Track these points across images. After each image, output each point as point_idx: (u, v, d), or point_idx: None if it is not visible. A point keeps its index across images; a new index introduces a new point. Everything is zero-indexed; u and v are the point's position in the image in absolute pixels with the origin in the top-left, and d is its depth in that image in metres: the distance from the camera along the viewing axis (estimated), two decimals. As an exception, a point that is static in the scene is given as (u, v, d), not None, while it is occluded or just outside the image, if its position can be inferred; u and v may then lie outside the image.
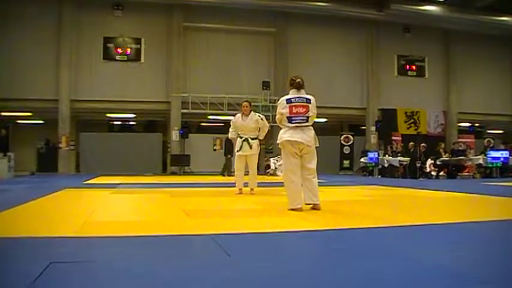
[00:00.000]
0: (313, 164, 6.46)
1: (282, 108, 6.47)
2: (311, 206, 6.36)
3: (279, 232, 4.61)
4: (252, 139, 9.54)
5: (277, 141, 6.54)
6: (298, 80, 6.51)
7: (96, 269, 3.05)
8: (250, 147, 9.52)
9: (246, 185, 9.71)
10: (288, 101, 6.45)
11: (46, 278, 2.71)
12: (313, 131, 6.47)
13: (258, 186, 9.86)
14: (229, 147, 18.68)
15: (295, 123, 6.36)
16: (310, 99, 6.48)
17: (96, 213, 6.20)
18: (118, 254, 3.55)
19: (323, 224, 5.16)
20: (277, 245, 4.06)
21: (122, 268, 3.04)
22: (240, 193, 9.46)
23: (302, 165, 6.41)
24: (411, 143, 19.17)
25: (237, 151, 9.63)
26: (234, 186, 9.73)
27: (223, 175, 19.32)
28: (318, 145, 6.51)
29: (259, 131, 9.68)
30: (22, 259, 3.27)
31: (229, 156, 19.04)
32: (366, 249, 3.82)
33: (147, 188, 11.73)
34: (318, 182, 6.57)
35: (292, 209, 6.21)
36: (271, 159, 21.27)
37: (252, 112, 9.68)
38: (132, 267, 3.04)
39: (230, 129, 9.92)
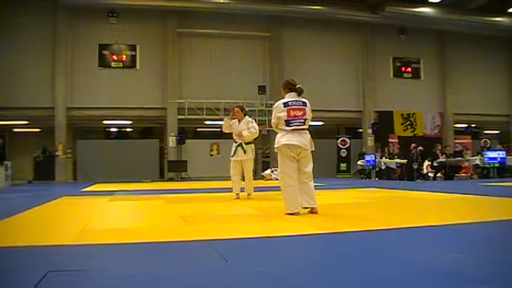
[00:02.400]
0: (309, 168, 6.46)
1: (279, 112, 6.44)
2: (308, 209, 6.36)
3: (276, 237, 4.61)
4: (246, 144, 9.57)
5: (275, 146, 6.53)
6: (299, 86, 6.53)
7: (94, 277, 3.04)
8: (245, 152, 9.56)
9: (242, 190, 9.73)
10: (285, 104, 6.44)
11: (44, 286, 2.70)
12: (309, 135, 6.47)
13: (254, 191, 9.88)
14: None
15: (294, 126, 6.36)
16: (306, 103, 6.50)
17: (94, 220, 6.19)
18: (116, 262, 3.54)
19: (320, 228, 5.16)
20: (275, 250, 4.06)
21: (121, 276, 3.03)
22: (237, 198, 9.48)
23: (299, 169, 6.41)
24: (413, 145, 19.18)
25: (231, 156, 9.66)
26: (231, 192, 9.76)
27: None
28: (313, 149, 6.51)
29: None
30: (19, 268, 3.26)
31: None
32: (365, 252, 3.83)
33: (144, 195, 11.71)
34: (315, 186, 6.57)
35: (290, 213, 6.21)
36: (268, 170, 21.24)
37: (246, 116, 9.78)
38: (130, 274, 3.03)
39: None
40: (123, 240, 4.42)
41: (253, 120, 9.83)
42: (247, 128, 9.56)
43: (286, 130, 6.40)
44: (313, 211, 6.35)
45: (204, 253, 3.82)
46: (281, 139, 6.43)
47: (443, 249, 3.86)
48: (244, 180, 9.86)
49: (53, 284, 2.80)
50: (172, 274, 3.09)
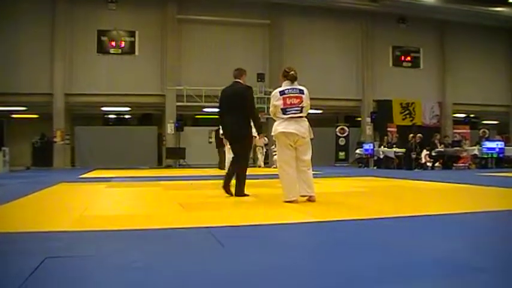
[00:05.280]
0: (308, 156, 6.47)
1: (275, 101, 6.46)
2: (306, 197, 6.37)
3: (274, 224, 4.61)
4: None
5: (272, 133, 6.55)
6: (292, 72, 6.51)
7: (92, 263, 3.05)
8: None
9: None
10: (282, 92, 6.44)
11: (42, 272, 2.71)
12: (307, 123, 6.47)
13: (253, 179, 9.90)
14: (220, 140, 18.62)
15: (290, 114, 6.36)
16: (303, 90, 6.49)
17: (92, 207, 6.19)
18: (114, 248, 3.54)
19: (318, 216, 5.16)
20: (272, 237, 4.06)
21: (118, 262, 3.03)
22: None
23: (297, 157, 6.41)
24: (411, 135, 19.21)
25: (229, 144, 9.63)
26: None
27: (222, 168, 18.92)
28: (312, 137, 6.51)
29: None
30: (17, 254, 3.26)
31: (222, 148, 18.93)
32: (362, 240, 3.83)
33: (142, 182, 11.72)
34: (313, 174, 6.57)
35: (288, 201, 6.22)
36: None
37: None
38: (128, 261, 3.04)
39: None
40: (121, 227, 4.42)
41: None
42: None
43: (283, 118, 6.41)
44: (311, 199, 6.36)
45: (202, 240, 3.82)
46: (278, 127, 6.44)
47: (442, 239, 3.86)
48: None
49: (51, 270, 2.80)
50: (170, 262, 3.10)
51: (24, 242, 3.72)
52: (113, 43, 22.66)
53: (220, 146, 18.84)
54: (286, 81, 6.52)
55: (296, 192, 6.31)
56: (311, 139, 6.53)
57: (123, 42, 22.80)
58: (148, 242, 3.80)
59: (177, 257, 3.23)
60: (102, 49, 22.57)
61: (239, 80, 7.43)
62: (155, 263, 3.00)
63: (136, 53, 22.94)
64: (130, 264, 2.95)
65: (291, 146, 6.38)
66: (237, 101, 7.20)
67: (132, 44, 22.90)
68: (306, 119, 6.49)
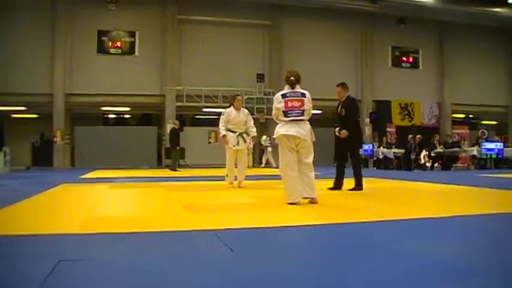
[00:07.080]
0: (309, 159, 6.56)
1: (277, 103, 6.57)
2: (308, 199, 6.45)
3: (279, 227, 4.67)
4: (244, 133, 9.69)
5: (274, 136, 6.65)
6: (292, 77, 6.60)
7: (103, 266, 3.10)
8: (245, 141, 9.68)
9: (234, 178, 9.87)
10: (283, 95, 6.56)
11: (57, 276, 2.76)
12: (309, 126, 6.57)
13: (256, 180, 9.97)
14: (175, 139, 18.68)
15: (291, 117, 6.45)
16: (304, 94, 6.59)
17: (97, 208, 6.24)
18: (125, 251, 3.60)
19: (321, 219, 5.22)
20: (278, 240, 4.12)
21: (130, 265, 3.08)
22: (232, 186, 9.58)
23: (299, 160, 6.50)
24: (410, 136, 19.26)
25: (233, 146, 9.64)
26: (225, 180, 9.93)
27: (176, 170, 18.60)
28: (314, 140, 6.60)
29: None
30: (30, 257, 3.31)
31: (177, 148, 19.03)
32: (365, 243, 3.88)
33: (144, 182, 11.78)
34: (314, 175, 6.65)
35: (290, 203, 6.29)
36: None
37: (242, 108, 9.99)
38: (139, 264, 3.09)
39: (221, 125, 9.75)
40: (129, 229, 4.46)
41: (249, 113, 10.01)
42: (247, 119, 9.70)
43: (284, 121, 6.51)
44: (313, 201, 6.45)
45: (209, 243, 3.87)
46: (279, 129, 6.54)
47: (441, 242, 3.91)
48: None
49: (67, 273, 2.86)
50: (180, 264, 3.16)
51: (35, 245, 3.78)
52: (113, 43, 22.70)
53: (174, 145, 18.88)
54: (288, 86, 6.62)
55: (298, 194, 6.38)
56: (312, 142, 6.62)
57: (123, 43, 22.85)
58: (157, 245, 3.87)
59: (185, 260, 3.28)
60: (102, 49, 22.64)
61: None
62: (166, 266, 3.05)
63: (136, 53, 23.02)
64: (141, 267, 3.01)
65: (293, 149, 6.46)
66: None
67: (132, 44, 22.98)
68: (308, 122, 6.59)
